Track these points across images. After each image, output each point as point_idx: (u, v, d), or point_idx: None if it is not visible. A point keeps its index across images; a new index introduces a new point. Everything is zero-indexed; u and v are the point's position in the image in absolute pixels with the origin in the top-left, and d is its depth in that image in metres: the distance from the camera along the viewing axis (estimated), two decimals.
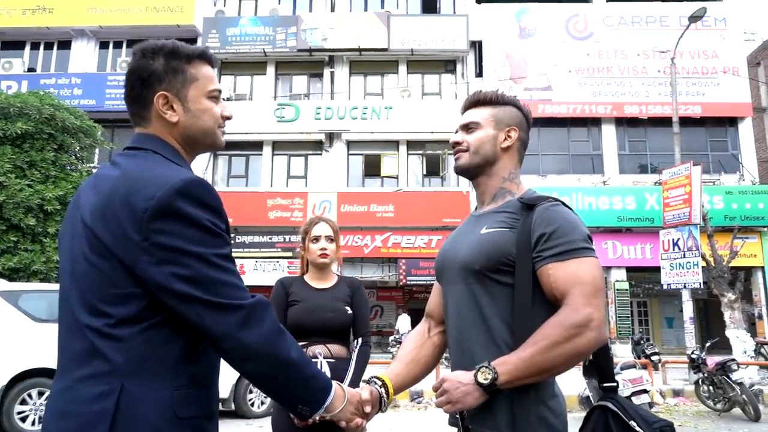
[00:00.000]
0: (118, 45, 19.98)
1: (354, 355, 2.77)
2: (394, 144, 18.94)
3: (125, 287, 1.20)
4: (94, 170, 13.19)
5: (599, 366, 1.56)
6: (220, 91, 1.44)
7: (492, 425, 1.49)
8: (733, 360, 8.57)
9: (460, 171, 1.74)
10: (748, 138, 18.68)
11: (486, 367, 1.42)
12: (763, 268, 17.39)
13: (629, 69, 18.62)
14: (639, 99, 18.41)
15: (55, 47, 19.98)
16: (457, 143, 1.72)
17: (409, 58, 19.36)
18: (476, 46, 19.21)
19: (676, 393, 10.51)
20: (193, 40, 19.57)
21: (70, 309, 1.26)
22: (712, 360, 8.85)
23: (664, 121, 18.25)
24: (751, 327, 16.27)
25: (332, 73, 19.43)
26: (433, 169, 19.02)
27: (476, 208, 1.78)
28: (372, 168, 19.00)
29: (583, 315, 1.40)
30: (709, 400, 8.92)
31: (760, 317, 17.23)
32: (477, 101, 1.74)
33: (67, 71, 19.32)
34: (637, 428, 1.42)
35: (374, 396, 1.60)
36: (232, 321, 1.21)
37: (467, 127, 1.72)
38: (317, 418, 2.53)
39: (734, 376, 8.26)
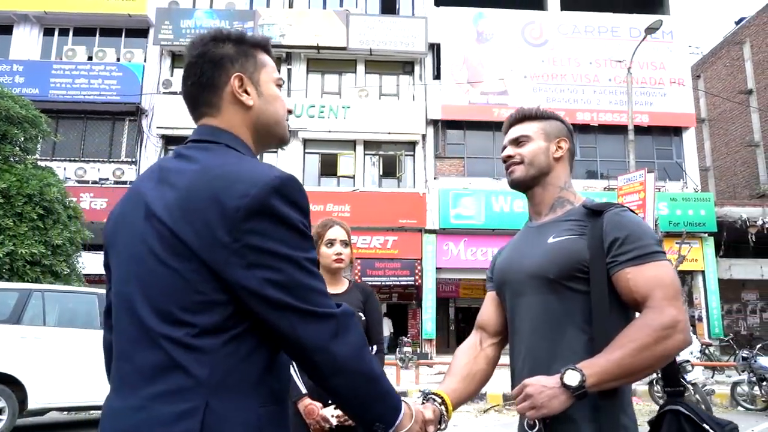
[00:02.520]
0: (64, 32, 19.11)
1: None
2: (351, 144, 18.85)
3: (209, 293, 1.08)
4: (40, 162, 12.64)
5: (665, 370, 1.55)
6: (283, 81, 1.37)
7: None
8: (688, 361, 8.87)
9: (516, 184, 1.74)
10: (692, 147, 19.50)
11: (572, 369, 1.39)
12: (703, 272, 18.16)
13: (582, 77, 19.12)
14: (590, 106, 18.94)
15: None
16: (510, 157, 1.74)
17: (367, 58, 19.30)
18: (434, 48, 19.33)
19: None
20: (145, 31, 18.98)
21: (136, 317, 1.11)
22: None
23: (614, 129, 18.86)
24: (691, 329, 16.95)
25: (289, 71, 19.16)
26: (389, 169, 19.02)
27: (530, 219, 1.78)
28: (328, 167, 18.85)
29: (670, 317, 1.41)
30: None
31: (700, 319, 17.99)
32: (523, 117, 1.77)
33: (8, 57, 18.32)
34: (711, 431, 1.42)
35: (436, 415, 1.54)
36: (325, 331, 1.11)
37: (517, 141, 1.74)
38: (334, 422, 2.46)
39: (688, 376, 8.55)
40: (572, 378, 1.38)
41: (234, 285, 1.08)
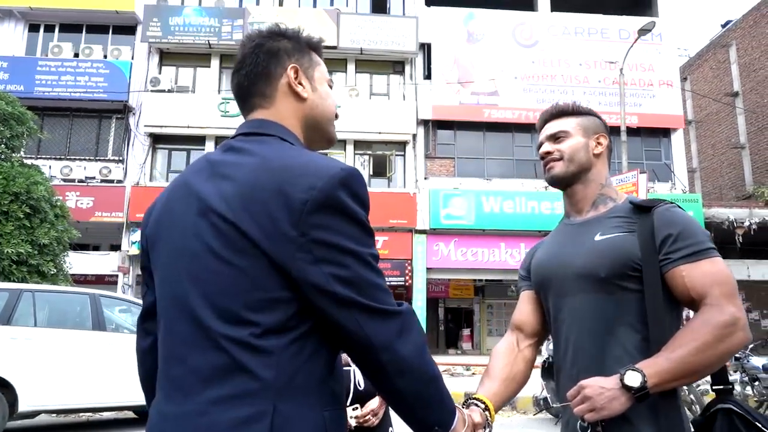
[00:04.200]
0: (49, 28, 18.81)
1: None
2: (341, 143, 18.73)
3: (273, 290, 1.03)
4: (26, 160, 12.41)
5: None
6: (333, 84, 1.36)
7: None
8: None
9: (556, 180, 1.69)
10: (680, 148, 19.66)
11: (633, 369, 1.35)
12: None
13: (572, 78, 19.20)
14: None
15: None
16: (548, 153, 1.69)
17: (358, 57, 19.23)
18: (425, 48, 19.30)
19: None
20: (133, 28, 18.75)
21: (192, 317, 1.05)
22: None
23: None
24: None
25: None
26: (379, 169, 18.95)
27: (567, 217, 1.74)
28: None
29: (730, 314, 1.37)
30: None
31: (688, 319, 18.10)
32: (559, 112, 1.72)
33: None
34: (765, 429, 1.39)
35: (483, 419, 1.49)
36: (391, 329, 1.06)
37: (555, 137, 1.69)
38: (354, 423, 2.39)
39: None
40: (633, 379, 1.33)
41: (300, 281, 1.03)
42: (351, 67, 19.35)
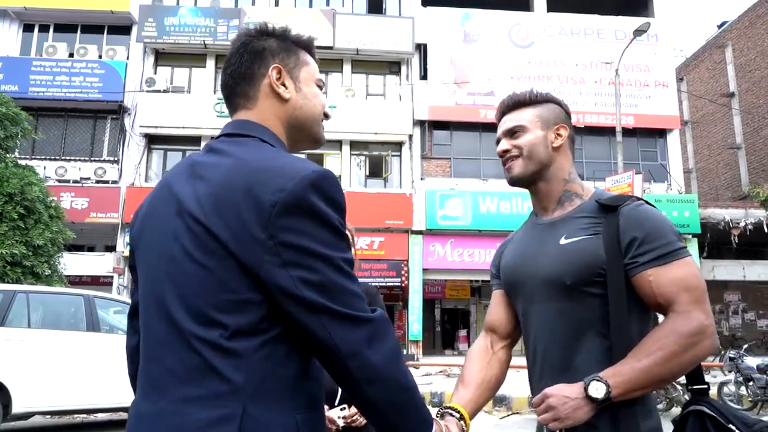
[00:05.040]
0: (44, 29, 18.73)
1: None
2: (337, 144, 18.72)
3: (242, 292, 1.02)
4: (21, 161, 12.35)
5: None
6: (324, 83, 1.34)
7: None
8: None
9: (516, 181, 1.60)
10: (676, 149, 19.69)
11: (597, 379, 1.33)
12: None
13: (568, 78, 19.23)
14: (576, 108, 19.01)
15: None
16: (506, 151, 1.59)
17: (354, 58, 19.21)
18: (421, 48, 19.29)
19: None
20: (128, 28, 18.69)
21: (167, 317, 1.06)
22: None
23: (599, 131, 18.97)
24: None
25: None
26: (375, 170, 18.94)
27: (536, 215, 1.66)
28: None
29: (698, 322, 1.33)
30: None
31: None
32: (515, 103, 1.62)
33: None
34: (737, 431, 1.36)
35: (460, 430, 1.46)
36: (361, 336, 1.04)
37: (512, 133, 1.59)
38: (341, 423, 2.37)
39: None
40: (598, 390, 1.32)
41: (268, 284, 1.02)
42: (347, 67, 19.33)
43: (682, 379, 6.52)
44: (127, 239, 16.72)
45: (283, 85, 1.23)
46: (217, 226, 1.03)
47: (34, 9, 18.12)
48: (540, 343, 1.53)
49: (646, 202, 1.50)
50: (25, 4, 17.99)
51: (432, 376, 13.58)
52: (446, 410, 1.53)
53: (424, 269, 17.88)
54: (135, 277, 1.23)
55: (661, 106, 19.23)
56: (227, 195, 1.04)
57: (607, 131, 18.39)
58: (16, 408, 6.50)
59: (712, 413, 1.40)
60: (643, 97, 19.17)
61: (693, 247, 18.34)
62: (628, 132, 18.61)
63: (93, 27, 18.80)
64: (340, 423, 2.36)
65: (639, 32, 13.84)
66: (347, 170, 18.65)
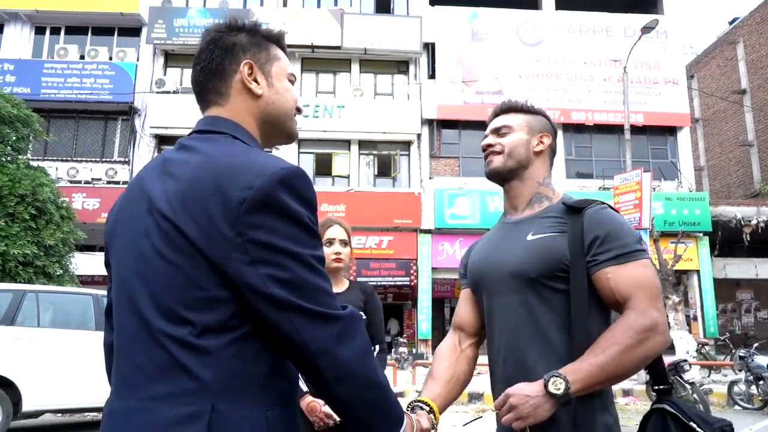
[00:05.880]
0: (55, 31, 18.90)
1: None
2: (346, 143, 18.77)
3: (210, 290, 1.02)
4: (33, 162, 12.49)
5: (652, 368, 1.54)
6: (295, 78, 1.34)
7: None
8: (685, 360, 8.86)
9: (494, 174, 1.70)
10: (686, 147, 19.53)
11: (556, 376, 1.38)
12: (698, 271, 18.19)
13: (576, 76, 19.13)
14: (585, 106, 18.94)
15: None
16: (489, 145, 1.71)
17: (362, 57, 19.23)
18: (429, 47, 19.28)
19: (626, 392, 10.80)
20: (138, 30, 18.83)
21: (138, 314, 1.06)
22: (664, 361, 9.13)
23: (608, 128, 18.87)
24: (687, 328, 16.99)
25: None
26: (384, 169, 18.96)
27: (506, 215, 1.75)
28: (323, 167, 18.76)
29: (651, 318, 1.40)
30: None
31: (695, 319, 18.01)
32: (508, 108, 1.74)
33: None
34: (698, 429, 1.41)
35: (430, 423, 1.50)
36: (330, 334, 1.05)
37: (498, 131, 1.71)
38: (331, 423, 2.39)
39: (686, 376, 8.54)
40: (557, 386, 1.36)
41: (237, 281, 1.02)
42: (355, 67, 19.36)
43: (691, 378, 6.46)
44: None
45: (255, 80, 1.23)
46: (186, 223, 1.03)
47: (45, 12, 18.29)
48: (503, 337, 1.59)
49: (611, 207, 1.58)
50: (36, 7, 18.17)
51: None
52: (417, 404, 1.57)
53: (433, 268, 17.87)
54: (109, 274, 1.24)
55: (671, 104, 19.08)
56: (195, 192, 1.04)
57: (617, 129, 18.27)
58: (27, 406, 6.59)
59: (674, 411, 1.46)
60: (653, 95, 19.03)
61: (704, 245, 18.21)
62: (638, 130, 18.49)
63: (103, 29, 18.96)
64: (337, 417, 2.39)
65: (647, 29, 13.75)
66: (356, 170, 18.68)
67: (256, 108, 1.23)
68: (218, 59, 1.22)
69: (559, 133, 19.10)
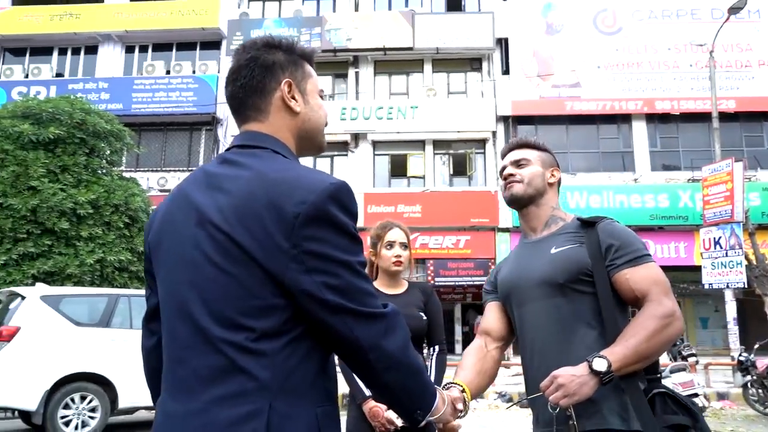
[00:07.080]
0: (143, 49, 20.09)
1: (432, 363, 2.69)
2: (420, 144, 18.78)
3: (268, 298, 1.10)
4: (125, 173, 13.30)
5: None
6: (324, 94, 1.43)
7: (605, 415, 1.63)
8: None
9: (514, 199, 1.94)
10: None
11: (599, 356, 1.56)
12: None
13: (660, 64, 18.26)
14: (670, 94, 18.04)
15: (82, 52, 20.14)
16: (511, 175, 1.95)
17: (434, 57, 19.19)
18: (502, 43, 18.98)
19: (721, 396, 10.22)
20: (218, 43, 19.65)
21: (191, 320, 1.13)
22: (762, 362, 8.53)
23: (697, 117, 17.88)
24: None
25: (357, 73, 19.33)
26: (459, 168, 18.82)
27: (525, 236, 1.99)
28: (398, 168, 18.85)
29: (668, 307, 1.64)
30: (759, 404, 8.61)
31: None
32: (524, 144, 2.01)
33: (94, 76, 19.47)
34: (692, 407, 1.65)
35: (461, 395, 1.70)
36: (378, 330, 1.16)
37: (518, 163, 1.96)
38: (399, 423, 2.42)
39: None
40: (600, 364, 1.55)
41: (293, 289, 1.10)
42: (427, 67, 19.35)
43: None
44: None
45: (293, 98, 1.29)
46: (242, 235, 1.09)
47: (134, 31, 19.48)
48: (536, 337, 1.81)
49: (617, 222, 1.87)
50: (126, 28, 19.38)
51: (521, 375, 13.33)
52: (451, 385, 1.77)
53: None
54: (150, 282, 1.31)
55: (765, 88, 17.84)
56: (250, 206, 1.11)
57: (705, 117, 17.24)
58: (123, 403, 7.05)
59: (672, 394, 1.68)
60: (745, 79, 17.87)
61: None
62: (729, 117, 17.42)
63: (186, 44, 19.94)
64: (399, 423, 2.42)
65: (734, 10, 12.93)
66: (431, 169, 18.66)
67: (293, 124, 1.30)
68: (259, 77, 1.27)
69: (642, 125, 18.35)
